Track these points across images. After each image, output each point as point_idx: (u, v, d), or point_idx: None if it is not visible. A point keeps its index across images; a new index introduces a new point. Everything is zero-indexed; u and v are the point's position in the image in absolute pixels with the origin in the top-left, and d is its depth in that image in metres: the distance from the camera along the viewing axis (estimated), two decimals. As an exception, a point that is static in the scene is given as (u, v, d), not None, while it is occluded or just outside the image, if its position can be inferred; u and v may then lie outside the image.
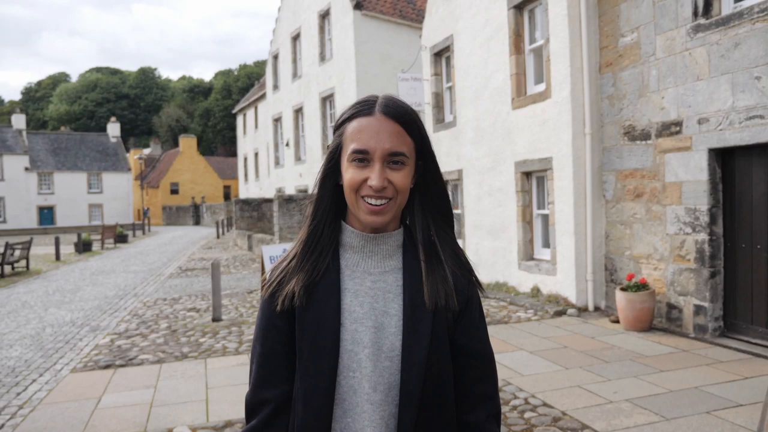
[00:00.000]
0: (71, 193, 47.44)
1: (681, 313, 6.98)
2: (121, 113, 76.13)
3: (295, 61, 22.33)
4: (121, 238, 28.23)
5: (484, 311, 8.70)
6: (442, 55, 12.29)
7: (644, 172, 7.49)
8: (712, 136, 6.47)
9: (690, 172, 6.78)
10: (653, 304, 7.09)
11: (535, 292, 9.10)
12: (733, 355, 5.95)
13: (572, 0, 8.17)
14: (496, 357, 5.99)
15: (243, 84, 73.15)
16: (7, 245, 15.64)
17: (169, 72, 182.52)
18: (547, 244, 9.30)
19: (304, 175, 22.16)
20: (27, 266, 16.80)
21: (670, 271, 7.12)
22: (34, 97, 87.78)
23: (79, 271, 16.42)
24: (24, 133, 46.76)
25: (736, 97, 6.16)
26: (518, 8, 9.49)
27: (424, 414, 1.20)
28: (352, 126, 1.20)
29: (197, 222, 49.71)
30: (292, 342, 1.22)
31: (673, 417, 4.37)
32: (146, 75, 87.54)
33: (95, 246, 25.08)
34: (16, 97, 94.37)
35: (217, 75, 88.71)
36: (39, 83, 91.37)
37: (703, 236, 6.63)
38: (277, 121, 25.52)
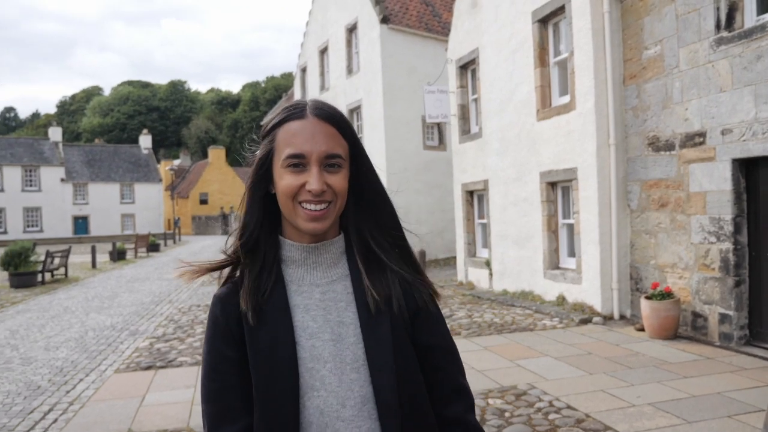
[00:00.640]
0: (105, 204, 48.79)
1: (706, 321, 7.05)
2: (151, 125, 77.87)
3: (322, 74, 22.78)
4: (153, 247, 28.95)
5: (510, 320, 8.82)
6: (468, 67, 12.53)
7: (668, 182, 7.60)
8: (735, 147, 6.57)
9: (714, 182, 6.87)
10: (678, 313, 7.17)
11: (561, 300, 9.22)
12: (758, 362, 6.02)
13: (596, 14, 8.35)
14: (521, 363, 6.23)
15: (270, 96, 74.41)
16: (47, 253, 16.25)
17: (198, 85, 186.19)
18: (572, 253, 9.42)
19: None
20: (66, 274, 17.41)
21: (695, 279, 7.20)
22: (69, 110, 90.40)
23: (115, 278, 16.97)
24: (60, 146, 48.23)
25: (759, 108, 6.26)
26: (543, 22, 9.69)
27: (406, 421, 1.15)
28: (284, 130, 1.14)
29: (225, 232, 50.56)
30: (246, 371, 1.14)
31: (695, 420, 4.49)
32: (176, 88, 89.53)
33: (129, 254, 25.79)
34: (52, 110, 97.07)
35: (244, 87, 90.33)
36: (73, 97, 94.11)
37: (728, 245, 6.71)
38: (305, 132, 25.88)
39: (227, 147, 72.27)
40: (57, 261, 17.22)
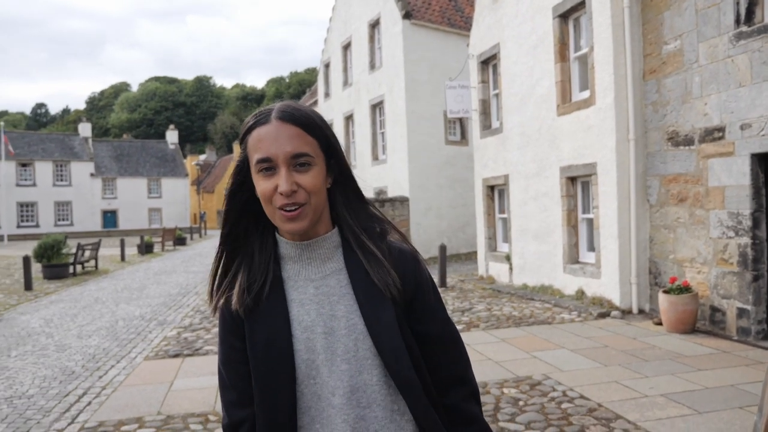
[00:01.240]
0: (132, 198, 49.80)
1: (724, 315, 7.07)
2: (178, 120, 79.04)
3: (345, 69, 22.96)
4: (180, 241, 29.52)
5: (529, 313, 8.89)
6: (489, 62, 12.59)
7: (687, 176, 7.61)
8: (754, 142, 6.58)
9: (733, 177, 6.88)
10: (696, 307, 7.20)
11: (580, 294, 9.28)
12: (775, 356, 6.04)
13: (616, 9, 8.37)
14: (537, 355, 6.34)
15: (294, 91, 74.95)
16: (78, 246, 16.76)
17: (223, 80, 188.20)
18: (591, 247, 9.47)
19: (354, 180, 22.66)
20: (96, 266, 17.93)
21: (713, 274, 7.22)
22: (98, 106, 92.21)
23: (143, 271, 17.42)
24: (89, 141, 49.32)
25: (778, 103, 6.26)
26: (563, 17, 9.72)
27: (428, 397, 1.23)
28: (252, 137, 1.19)
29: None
30: None
31: (706, 411, 4.57)
32: (201, 83, 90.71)
33: (156, 248, 26.36)
34: (81, 106, 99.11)
35: (269, 82, 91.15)
36: (102, 93, 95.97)
37: (746, 240, 6.73)
38: (328, 127, 26.13)
39: (252, 142, 72.94)
40: (87, 253, 17.73)
